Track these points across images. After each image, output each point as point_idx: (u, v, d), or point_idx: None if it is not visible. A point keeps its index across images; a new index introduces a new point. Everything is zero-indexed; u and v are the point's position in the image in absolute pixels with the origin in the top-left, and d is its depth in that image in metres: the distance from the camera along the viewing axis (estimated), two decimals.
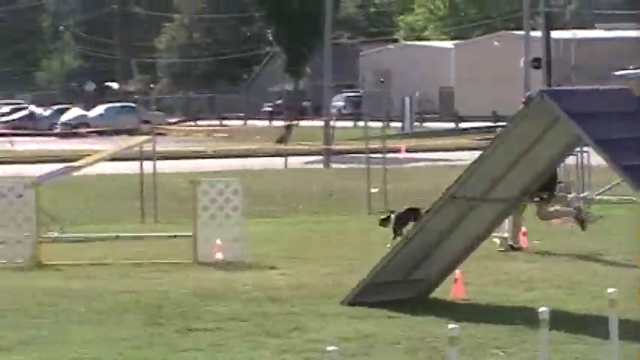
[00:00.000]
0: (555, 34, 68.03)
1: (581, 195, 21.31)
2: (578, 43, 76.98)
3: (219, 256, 16.28)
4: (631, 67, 72.84)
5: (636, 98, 13.48)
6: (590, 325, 10.65)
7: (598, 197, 22.35)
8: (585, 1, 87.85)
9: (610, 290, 5.34)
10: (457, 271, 13.19)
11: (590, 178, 21.80)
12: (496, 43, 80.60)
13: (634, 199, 13.14)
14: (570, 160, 19.60)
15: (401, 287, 12.97)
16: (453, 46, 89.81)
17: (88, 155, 23.09)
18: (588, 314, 11.58)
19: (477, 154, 13.26)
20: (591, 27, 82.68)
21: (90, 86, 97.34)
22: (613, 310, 5.19)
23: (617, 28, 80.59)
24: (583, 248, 17.02)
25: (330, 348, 4.38)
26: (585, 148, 19.90)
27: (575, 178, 21.68)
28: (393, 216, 16.98)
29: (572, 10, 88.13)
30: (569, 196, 21.16)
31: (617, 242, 17.46)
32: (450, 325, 4.61)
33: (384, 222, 17.13)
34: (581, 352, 10.06)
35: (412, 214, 16.38)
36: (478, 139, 46.70)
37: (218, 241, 16.39)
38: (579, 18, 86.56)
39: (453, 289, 13.07)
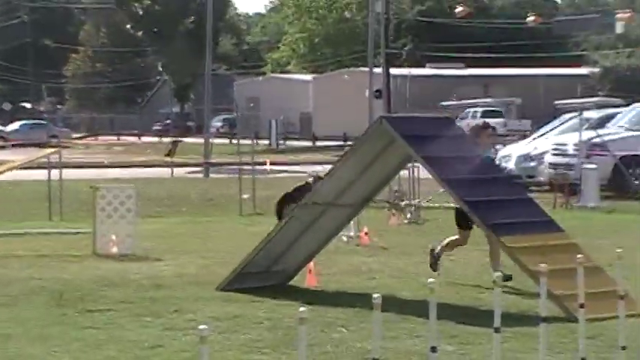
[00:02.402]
0: (394, 71, 68.79)
1: (413, 202, 21.56)
2: (412, 78, 77.89)
3: (114, 249, 16.11)
4: (453, 98, 74.00)
5: (456, 124, 13.74)
6: (416, 308, 10.79)
7: (425, 204, 22.61)
8: (417, 44, 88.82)
9: (430, 280, 5.43)
10: (311, 263, 13.25)
11: (419, 188, 22.05)
12: (346, 76, 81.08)
13: (453, 205, 13.34)
14: (404, 172, 19.79)
15: (264, 277, 12.98)
16: (311, 79, 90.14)
17: (3, 164, 22.68)
18: (415, 299, 11.73)
19: (329, 167, 13.36)
20: (422, 65, 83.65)
21: (7, 106, 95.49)
22: (432, 296, 5.28)
23: (441, 67, 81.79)
24: (413, 245, 17.22)
25: (201, 327, 4.37)
26: (416, 164, 20.11)
27: (408, 188, 21.91)
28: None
29: (407, 51, 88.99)
30: (402, 202, 21.41)
31: (439, 240, 17.72)
32: (301, 308, 4.64)
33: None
34: (408, 329, 10.20)
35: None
36: (330, 155, 46.90)
37: (113, 237, 16.22)
38: (413, 58, 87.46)
39: (307, 278, 13.11)
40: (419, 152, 12.02)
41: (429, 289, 5.41)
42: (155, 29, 76.87)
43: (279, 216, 16.20)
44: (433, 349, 5.42)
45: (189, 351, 9.25)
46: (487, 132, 13.69)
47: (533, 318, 9.75)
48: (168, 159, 42.43)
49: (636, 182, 26.80)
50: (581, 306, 6.37)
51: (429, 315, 5.40)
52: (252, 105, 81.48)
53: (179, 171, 39.78)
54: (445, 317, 9.86)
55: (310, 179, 14.38)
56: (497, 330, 5.63)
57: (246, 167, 26.65)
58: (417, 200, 21.76)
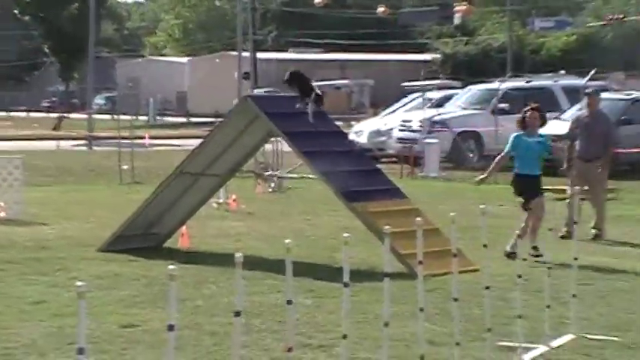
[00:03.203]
0: (260, 55, 68.71)
1: (276, 172, 21.61)
2: (277, 62, 77.85)
3: (2, 215, 15.76)
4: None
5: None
6: (278, 267, 10.84)
7: (287, 174, 22.70)
8: (281, 31, 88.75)
9: (287, 241, 5.48)
10: (184, 227, 13.19)
11: (282, 160, 22.12)
12: (217, 60, 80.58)
13: (311, 176, 13.42)
14: (268, 146, 19.82)
15: (142, 239, 12.88)
16: (186, 61, 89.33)
17: None
18: (277, 258, 11.77)
19: (200, 140, 13.29)
20: (286, 50, 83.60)
21: None
22: (289, 255, 5.34)
23: (303, 52, 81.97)
24: (277, 211, 17.30)
25: (78, 283, 4.32)
26: (278, 138, 20.14)
27: (272, 160, 21.96)
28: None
29: (273, 38, 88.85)
30: (266, 173, 21.45)
31: (299, 206, 17.86)
32: (170, 266, 4.63)
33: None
34: (271, 285, 10.29)
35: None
36: (203, 130, 46.54)
37: (1, 204, 15.87)
38: (277, 43, 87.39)
39: (181, 240, 13.06)
40: (280, 127, 12.06)
41: (286, 249, 5.46)
42: (41, 14, 75.11)
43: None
44: (289, 302, 5.49)
45: (71, 306, 9.12)
46: (534, 114, 13.22)
47: (379, 274, 9.91)
48: (54, 132, 41.55)
49: (471, 155, 27.39)
50: (420, 263, 6.51)
51: (289, 272, 5.45)
52: (131, 85, 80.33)
53: (64, 144, 38.98)
54: (303, 274, 9.96)
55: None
56: (346, 285, 5.71)
57: (125, 141, 26.28)
58: (279, 171, 21.82)
